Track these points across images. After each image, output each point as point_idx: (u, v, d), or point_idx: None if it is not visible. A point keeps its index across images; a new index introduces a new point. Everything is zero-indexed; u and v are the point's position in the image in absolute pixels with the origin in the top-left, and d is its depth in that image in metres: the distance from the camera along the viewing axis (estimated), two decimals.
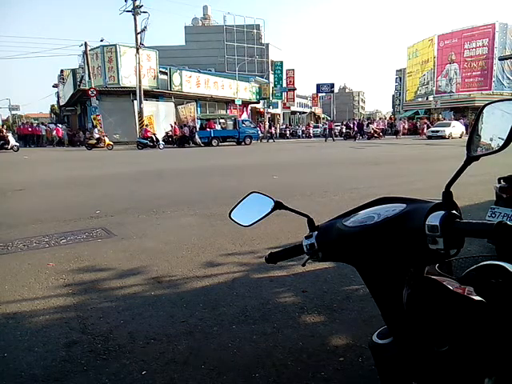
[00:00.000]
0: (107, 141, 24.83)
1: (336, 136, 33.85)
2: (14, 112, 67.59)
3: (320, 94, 58.86)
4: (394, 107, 72.47)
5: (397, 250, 0.85)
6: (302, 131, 42.33)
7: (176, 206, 6.51)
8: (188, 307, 2.91)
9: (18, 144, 23.57)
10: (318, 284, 3.26)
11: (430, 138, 29.64)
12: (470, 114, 39.30)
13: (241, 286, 3.29)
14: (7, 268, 3.80)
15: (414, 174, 9.83)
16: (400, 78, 66.01)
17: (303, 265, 1.11)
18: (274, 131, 37.49)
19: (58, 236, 4.84)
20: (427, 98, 50.49)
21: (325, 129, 34.65)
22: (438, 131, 30.18)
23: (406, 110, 52.58)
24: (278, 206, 1.07)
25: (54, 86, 50.11)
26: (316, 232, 1.01)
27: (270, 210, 1.07)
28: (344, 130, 35.49)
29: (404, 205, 0.89)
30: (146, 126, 27.03)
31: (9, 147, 22.85)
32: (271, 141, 33.74)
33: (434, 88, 48.84)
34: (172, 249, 4.28)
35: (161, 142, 25.30)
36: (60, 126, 32.19)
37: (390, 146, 23.72)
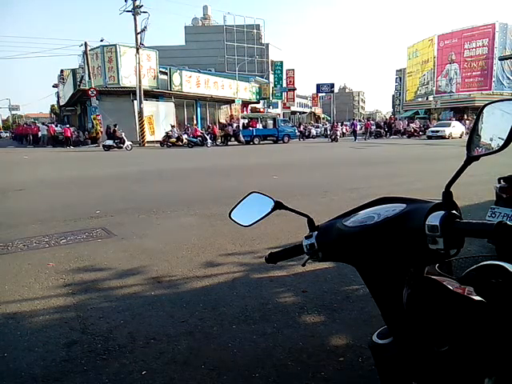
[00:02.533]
0: (184, 139, 26.25)
1: (340, 136, 34.13)
2: (14, 112, 67.69)
3: (320, 94, 58.88)
4: (394, 107, 72.56)
5: (397, 250, 0.85)
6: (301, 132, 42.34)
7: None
8: (188, 307, 2.91)
9: (131, 143, 24.27)
10: (318, 284, 3.26)
11: (429, 137, 29.48)
12: (470, 114, 39.28)
13: (241, 286, 3.29)
14: (7, 268, 3.80)
15: (413, 174, 9.84)
16: (400, 78, 66.08)
17: (303, 265, 1.10)
18: None
19: (62, 236, 4.83)
20: (427, 98, 50.52)
21: (330, 129, 34.81)
22: (437, 131, 30.01)
23: (406, 110, 52.62)
24: (278, 205, 1.07)
25: (54, 86, 50.12)
26: (316, 232, 1.00)
27: (269, 209, 1.07)
28: (374, 129, 36.11)
29: (404, 205, 0.89)
30: (196, 125, 29.50)
31: (124, 146, 23.65)
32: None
33: (434, 88, 48.87)
34: (173, 249, 4.28)
35: (209, 140, 26.57)
36: (67, 126, 32.23)
37: (389, 146, 23.72)
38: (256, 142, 28.05)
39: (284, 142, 29.04)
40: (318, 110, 68.26)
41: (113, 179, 10.36)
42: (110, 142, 23.69)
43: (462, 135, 30.37)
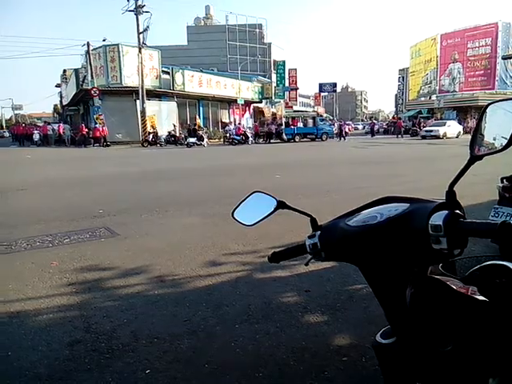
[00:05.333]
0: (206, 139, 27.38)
1: (346, 134, 34.56)
2: (16, 111, 67.90)
3: (322, 94, 58.89)
4: (396, 107, 72.27)
5: (400, 250, 0.85)
6: None
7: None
8: (191, 306, 2.92)
9: (207, 141, 26.52)
10: (321, 283, 3.26)
11: (424, 137, 28.99)
12: (473, 114, 39.10)
13: (244, 285, 3.29)
14: (11, 267, 3.81)
15: (417, 173, 9.82)
16: (403, 78, 65.83)
17: (306, 264, 1.10)
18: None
19: (65, 235, 4.85)
20: (430, 98, 50.30)
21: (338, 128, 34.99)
22: (431, 131, 29.53)
23: (409, 110, 52.41)
24: (281, 205, 1.07)
25: (56, 86, 50.21)
26: (319, 232, 1.00)
27: (272, 209, 1.07)
28: (411, 127, 36.93)
29: (407, 204, 0.89)
30: (239, 124, 31.53)
31: (203, 143, 25.71)
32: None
33: (437, 87, 48.65)
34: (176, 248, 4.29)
35: (250, 138, 28.28)
36: (67, 126, 32.33)
37: (391, 145, 23.68)
38: (297, 140, 29.74)
39: (322, 140, 30.43)
40: (321, 110, 68.20)
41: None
42: (193, 140, 26.08)
43: (458, 135, 29.90)
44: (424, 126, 34.82)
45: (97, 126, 26.39)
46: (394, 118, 46.08)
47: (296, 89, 51.13)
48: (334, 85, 52.58)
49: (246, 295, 3.09)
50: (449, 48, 47.13)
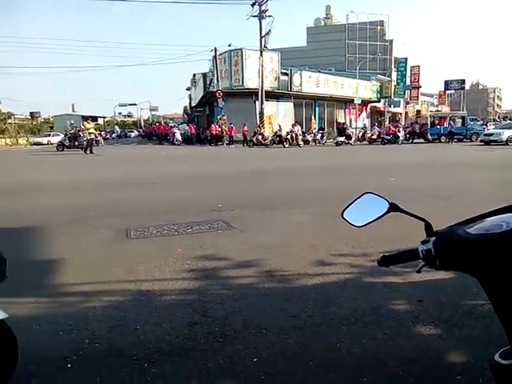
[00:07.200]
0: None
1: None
2: (153, 113, 76.30)
3: (448, 92, 53.95)
4: None
5: None
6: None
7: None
8: (298, 303, 2.98)
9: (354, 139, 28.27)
10: (436, 294, 3.05)
11: (484, 143, 24.16)
12: None
13: (352, 287, 3.25)
14: (143, 250, 4.34)
15: None
16: None
17: (418, 271, 1.07)
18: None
19: (188, 225, 5.33)
20: None
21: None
22: (491, 134, 24.65)
23: None
24: (393, 208, 1.06)
25: (187, 89, 54.89)
26: (434, 237, 0.97)
27: (384, 211, 1.06)
28: None
29: None
30: (390, 123, 32.53)
31: (351, 141, 27.15)
32: None
33: None
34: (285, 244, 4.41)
35: (401, 137, 27.99)
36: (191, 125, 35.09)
37: None
38: (443, 141, 27.86)
39: (471, 141, 27.88)
40: (446, 109, 62.62)
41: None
42: (341, 139, 26.64)
43: None
44: None
45: (231, 125, 27.85)
46: None
47: (418, 87, 47.79)
48: (462, 81, 47.77)
49: (354, 298, 3.04)
50: None
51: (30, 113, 63.65)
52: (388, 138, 27.57)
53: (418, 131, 29.32)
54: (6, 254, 1.84)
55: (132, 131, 58.87)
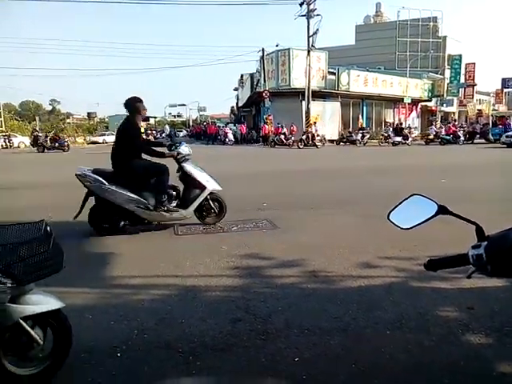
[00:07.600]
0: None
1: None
2: (201, 113, 78.15)
3: (506, 90, 50.66)
4: None
5: None
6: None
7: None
8: (342, 305, 2.95)
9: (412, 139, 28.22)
10: (488, 302, 2.91)
11: (507, 145, 21.85)
12: None
13: (398, 292, 3.17)
14: (190, 247, 4.47)
15: None
16: None
17: (468, 277, 1.04)
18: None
19: (233, 224, 5.41)
20: None
21: None
22: None
23: None
24: (442, 210, 1.03)
25: (234, 90, 55.53)
26: (485, 242, 0.94)
27: (432, 214, 1.04)
28: None
29: None
30: (441, 122, 32.00)
31: (408, 142, 26.83)
32: None
33: None
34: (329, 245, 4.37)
35: (461, 137, 26.90)
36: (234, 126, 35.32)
37: None
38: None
39: None
40: (503, 108, 58.83)
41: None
42: (398, 139, 26.27)
43: None
44: None
45: (278, 125, 27.68)
46: None
47: (473, 85, 45.33)
48: None
49: (400, 302, 2.96)
50: None
51: (88, 113, 67.06)
52: (448, 138, 26.21)
53: (478, 131, 27.91)
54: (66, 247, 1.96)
55: (181, 131, 60.86)
